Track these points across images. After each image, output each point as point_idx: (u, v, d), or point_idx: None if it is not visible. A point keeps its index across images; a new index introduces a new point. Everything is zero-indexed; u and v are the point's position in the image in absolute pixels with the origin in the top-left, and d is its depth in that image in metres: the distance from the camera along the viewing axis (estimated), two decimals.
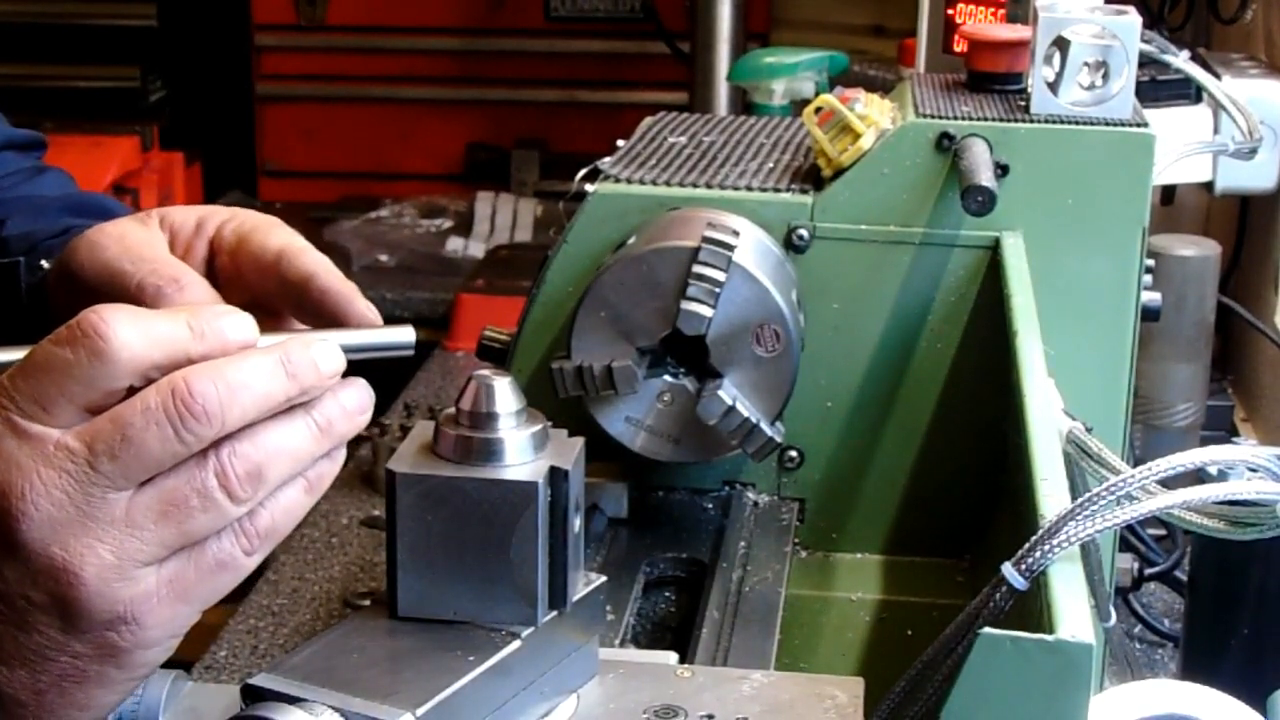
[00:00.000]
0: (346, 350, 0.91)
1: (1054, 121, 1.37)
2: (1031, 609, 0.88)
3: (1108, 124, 1.37)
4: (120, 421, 0.83)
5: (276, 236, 1.04)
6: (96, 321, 0.83)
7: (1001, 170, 1.35)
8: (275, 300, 1.03)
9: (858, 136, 1.37)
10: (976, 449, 1.39)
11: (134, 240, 1.03)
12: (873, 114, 1.38)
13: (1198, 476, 1.03)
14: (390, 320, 1.01)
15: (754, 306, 1.28)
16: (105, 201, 1.32)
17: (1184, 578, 1.70)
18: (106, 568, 0.84)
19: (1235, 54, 2.19)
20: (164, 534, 0.84)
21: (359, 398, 0.91)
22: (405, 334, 0.97)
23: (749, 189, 1.39)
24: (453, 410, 0.96)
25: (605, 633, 1.13)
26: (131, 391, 0.85)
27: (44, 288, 1.12)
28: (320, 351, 0.88)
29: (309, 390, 0.88)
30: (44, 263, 1.14)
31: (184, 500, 0.84)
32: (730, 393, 1.28)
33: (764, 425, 1.28)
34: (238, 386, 0.84)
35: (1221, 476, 1.00)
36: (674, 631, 1.29)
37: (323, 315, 1.00)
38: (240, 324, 0.88)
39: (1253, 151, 1.66)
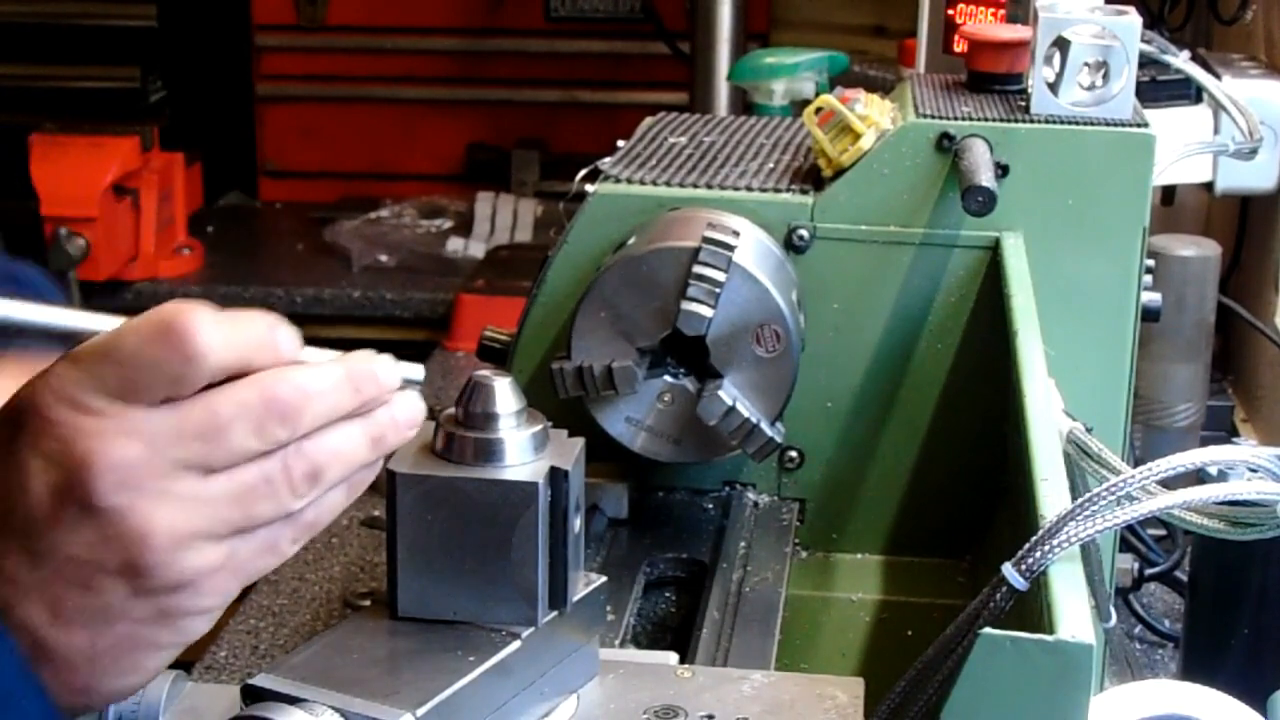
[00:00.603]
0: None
1: (1054, 122, 1.37)
2: (1031, 609, 0.88)
3: (1108, 124, 1.37)
4: (212, 411, 0.89)
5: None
6: (186, 323, 0.88)
7: (1002, 170, 1.35)
8: None
9: (858, 137, 1.37)
10: (976, 449, 1.39)
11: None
12: (873, 114, 1.38)
13: (1198, 477, 1.04)
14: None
15: (754, 307, 1.28)
16: (27, 277, 1.30)
17: (1184, 578, 1.70)
18: (177, 537, 0.89)
19: (1235, 54, 2.19)
20: (230, 515, 0.90)
21: (411, 410, 0.96)
22: (417, 370, 0.99)
23: (749, 189, 1.39)
24: (453, 411, 0.96)
25: (605, 633, 1.13)
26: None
27: None
28: (382, 367, 0.95)
29: (369, 402, 0.94)
30: None
31: (252, 489, 0.91)
32: (730, 393, 1.28)
33: (764, 425, 1.28)
34: (314, 395, 0.91)
35: (1222, 477, 1.00)
36: (674, 632, 1.29)
37: None
38: (293, 335, 0.94)
39: (1253, 152, 1.66)
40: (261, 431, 0.90)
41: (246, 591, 1.93)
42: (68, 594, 0.89)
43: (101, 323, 0.92)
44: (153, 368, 0.88)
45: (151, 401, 0.89)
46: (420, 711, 0.86)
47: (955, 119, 1.37)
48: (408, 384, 0.96)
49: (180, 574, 0.89)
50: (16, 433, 0.89)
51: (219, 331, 0.89)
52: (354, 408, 0.93)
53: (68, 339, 0.92)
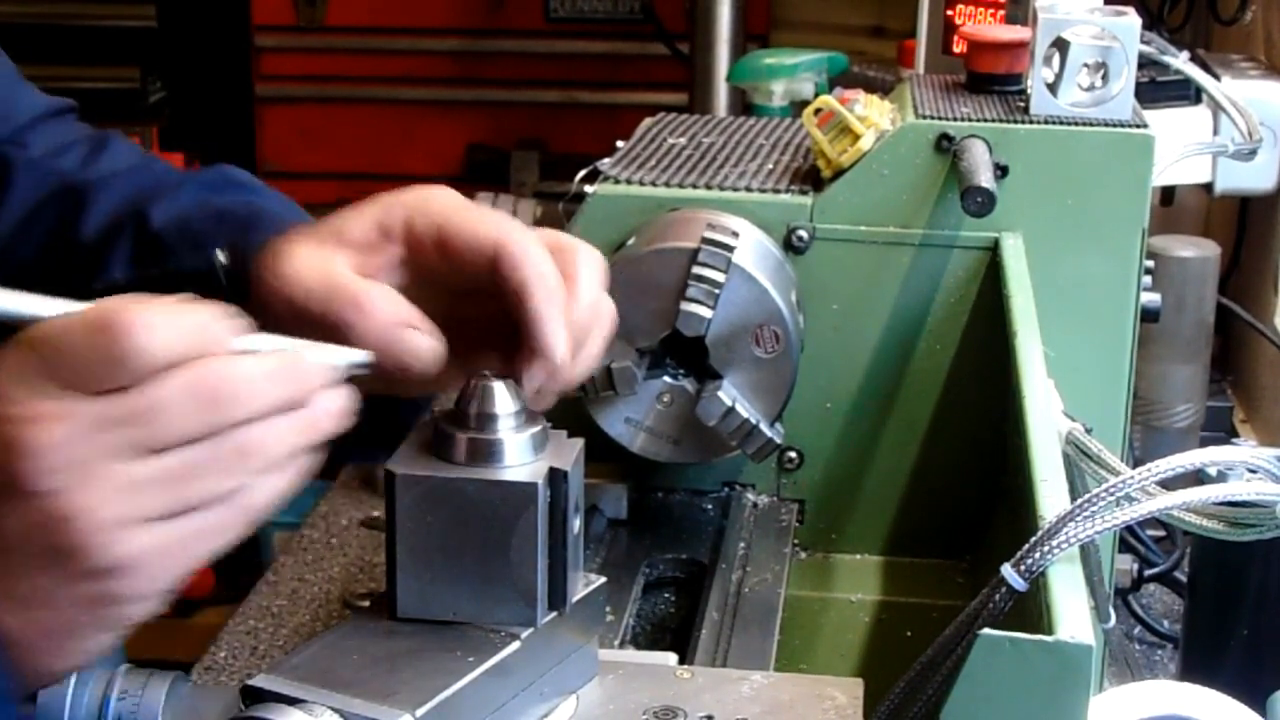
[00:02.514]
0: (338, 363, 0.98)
1: (1053, 122, 1.37)
2: (1031, 610, 0.88)
3: (1107, 125, 1.37)
4: (147, 396, 0.89)
5: (484, 226, 1.07)
6: (125, 320, 0.88)
7: (1001, 171, 1.35)
8: (485, 292, 1.07)
9: (857, 137, 1.37)
10: (976, 450, 1.39)
11: (308, 271, 1.08)
12: (872, 115, 1.38)
13: (1197, 477, 1.04)
14: None
15: (754, 307, 1.28)
16: (230, 172, 1.35)
17: (1184, 579, 1.70)
18: (108, 521, 0.89)
19: (1235, 55, 2.19)
20: (165, 498, 0.90)
21: (341, 402, 0.96)
22: (361, 355, 1.01)
23: (748, 190, 1.39)
24: (452, 411, 0.96)
25: (605, 634, 1.13)
26: None
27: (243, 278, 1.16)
28: (317, 362, 0.95)
29: (307, 392, 0.94)
30: (221, 255, 1.19)
31: (188, 470, 0.90)
32: (730, 394, 1.28)
33: (763, 426, 1.28)
34: (251, 380, 0.91)
35: (1221, 477, 1.00)
36: (673, 632, 1.29)
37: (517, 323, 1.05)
38: (238, 325, 0.94)
39: (1252, 152, 1.66)
40: (197, 415, 0.90)
41: (246, 592, 1.93)
42: (5, 577, 0.89)
43: (54, 308, 0.91)
44: (89, 361, 0.88)
45: (88, 392, 0.89)
46: (420, 712, 0.86)
47: (954, 120, 1.37)
48: (356, 367, 0.97)
49: (113, 558, 0.89)
50: None
51: (160, 326, 0.89)
52: (291, 396, 0.93)
53: (19, 324, 0.92)
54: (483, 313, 1.08)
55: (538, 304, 1.04)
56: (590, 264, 1.09)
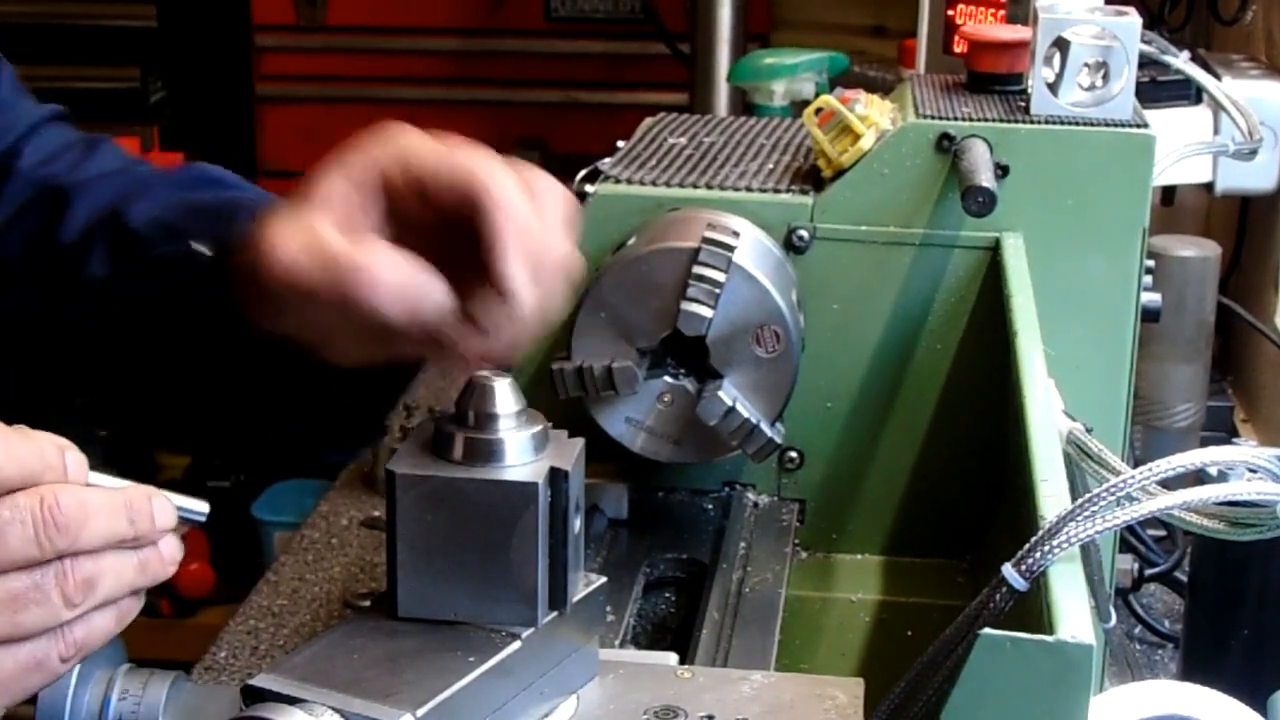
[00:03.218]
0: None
1: (1054, 122, 1.37)
2: (1031, 610, 0.88)
3: (1108, 125, 1.37)
4: None
5: (460, 167, 1.08)
6: None
7: (1002, 171, 1.35)
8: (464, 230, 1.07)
9: (858, 137, 1.37)
10: (976, 449, 1.39)
11: (294, 243, 1.08)
12: (873, 115, 1.38)
13: (1198, 477, 1.04)
14: None
15: (754, 307, 1.28)
16: (206, 170, 1.36)
17: (1184, 578, 1.70)
18: None
19: (1235, 55, 2.19)
20: None
21: (173, 550, 0.97)
22: (202, 505, 1.01)
23: (749, 190, 1.39)
24: (453, 411, 0.96)
25: (605, 633, 1.13)
26: None
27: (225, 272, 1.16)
28: (159, 506, 0.96)
29: (142, 535, 0.94)
30: (200, 247, 1.20)
31: (23, 595, 0.90)
32: (730, 393, 1.28)
33: (764, 426, 1.28)
34: (94, 511, 0.92)
35: (1221, 477, 1.00)
36: (674, 632, 1.29)
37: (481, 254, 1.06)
38: (81, 460, 0.94)
39: (1253, 152, 1.66)
40: (39, 539, 0.89)
41: (246, 592, 1.93)
42: None
43: None
44: None
45: None
46: (420, 712, 0.86)
47: (955, 119, 1.37)
48: (188, 517, 0.98)
49: None
50: None
51: (2, 451, 0.89)
52: (130, 532, 0.93)
53: None
54: (463, 249, 1.08)
55: (503, 247, 1.05)
56: (557, 209, 1.10)
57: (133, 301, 1.26)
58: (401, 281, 1.05)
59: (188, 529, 0.99)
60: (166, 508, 0.96)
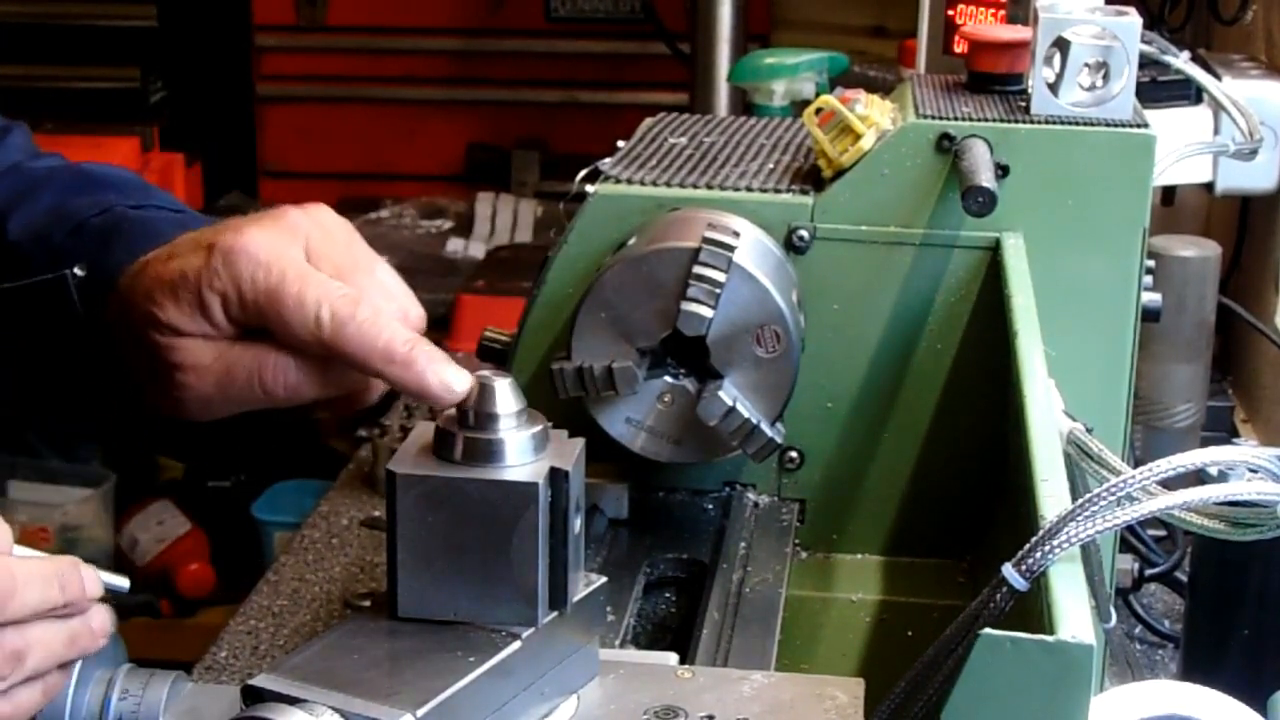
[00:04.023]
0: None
1: (1054, 122, 1.37)
2: (1032, 610, 0.88)
3: (1108, 125, 1.37)
4: None
5: (305, 309, 1.10)
6: None
7: (1002, 171, 1.35)
8: None
9: (858, 137, 1.37)
10: (976, 449, 1.39)
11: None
12: (873, 115, 1.38)
13: (1198, 477, 1.03)
14: None
15: (754, 307, 1.28)
16: (91, 171, 1.31)
17: (1184, 578, 1.70)
18: None
19: (1235, 55, 2.19)
20: None
21: (104, 621, 0.98)
22: (123, 580, 1.02)
23: (749, 189, 1.39)
24: (453, 411, 0.96)
25: (605, 633, 1.13)
26: None
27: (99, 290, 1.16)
28: (87, 574, 0.97)
29: (73, 603, 0.95)
30: (76, 270, 1.19)
31: None
32: (731, 393, 1.27)
33: (764, 426, 1.28)
34: (23, 582, 0.92)
35: (1222, 477, 1.00)
36: (674, 632, 1.29)
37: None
38: (5, 532, 0.95)
39: (1253, 152, 1.66)
40: None
41: (247, 592, 1.93)
42: None
43: None
44: None
45: None
46: (420, 712, 0.86)
47: (955, 119, 1.37)
48: (111, 588, 0.99)
49: None
50: None
51: None
52: (59, 600, 0.94)
53: None
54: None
55: (392, 376, 1.08)
56: (379, 304, 1.16)
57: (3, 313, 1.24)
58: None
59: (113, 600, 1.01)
60: (94, 577, 0.97)
